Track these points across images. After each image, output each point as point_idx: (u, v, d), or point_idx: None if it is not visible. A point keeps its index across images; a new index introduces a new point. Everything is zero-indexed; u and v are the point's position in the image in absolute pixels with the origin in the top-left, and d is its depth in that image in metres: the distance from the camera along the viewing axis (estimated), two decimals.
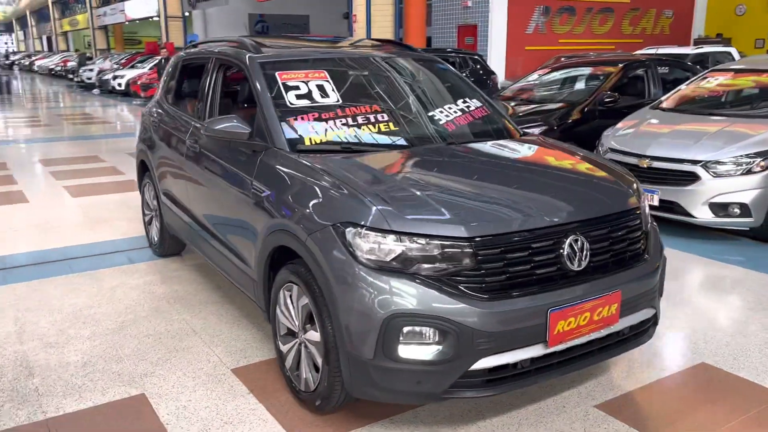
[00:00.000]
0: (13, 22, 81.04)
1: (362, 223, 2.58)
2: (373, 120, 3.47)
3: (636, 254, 2.98)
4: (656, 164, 5.71)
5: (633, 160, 5.87)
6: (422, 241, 2.52)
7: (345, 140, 3.34)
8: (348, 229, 2.59)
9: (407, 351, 2.50)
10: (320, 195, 2.84)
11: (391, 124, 3.50)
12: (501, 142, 3.64)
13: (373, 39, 4.89)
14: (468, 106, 3.88)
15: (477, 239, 2.54)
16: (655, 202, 5.68)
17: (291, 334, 3.05)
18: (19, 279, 4.75)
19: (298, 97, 3.48)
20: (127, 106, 20.63)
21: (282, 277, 3.00)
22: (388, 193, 2.72)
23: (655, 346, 3.59)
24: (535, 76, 9.02)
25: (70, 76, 32.50)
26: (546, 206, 2.77)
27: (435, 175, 3.11)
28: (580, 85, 8.47)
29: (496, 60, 14.72)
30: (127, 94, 22.26)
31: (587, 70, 8.71)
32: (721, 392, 3.16)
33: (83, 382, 3.27)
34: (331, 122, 3.38)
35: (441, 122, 3.67)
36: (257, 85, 3.53)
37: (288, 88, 3.50)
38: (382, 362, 2.52)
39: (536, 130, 7.26)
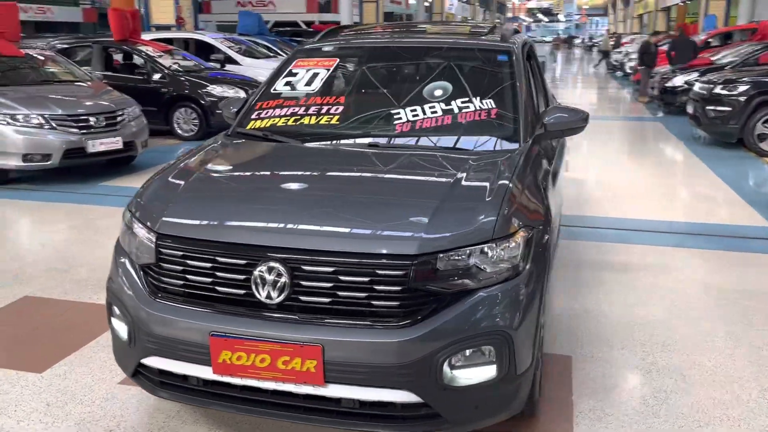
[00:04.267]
0: (608, 6, 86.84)
1: (133, 201, 2.80)
2: (324, 112, 3.37)
3: (385, 314, 2.25)
4: None
5: None
6: (137, 228, 2.60)
7: (278, 128, 3.36)
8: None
9: (115, 324, 2.67)
10: None
11: (335, 118, 3.33)
12: (432, 152, 3.03)
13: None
14: (466, 107, 3.23)
15: (160, 236, 2.47)
16: None
17: None
18: None
19: (286, 84, 3.62)
20: (616, 91, 20.58)
21: None
22: (171, 181, 2.80)
23: None
24: None
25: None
26: (268, 224, 2.41)
27: (257, 172, 2.99)
28: None
29: None
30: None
31: None
32: None
33: None
34: (285, 109, 3.45)
35: (397, 121, 3.22)
36: (274, 71, 3.81)
37: (289, 75, 3.67)
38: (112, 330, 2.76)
39: None
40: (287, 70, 3.71)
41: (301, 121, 3.37)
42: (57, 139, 7.08)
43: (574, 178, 7.78)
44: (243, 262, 2.34)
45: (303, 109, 3.43)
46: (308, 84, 3.56)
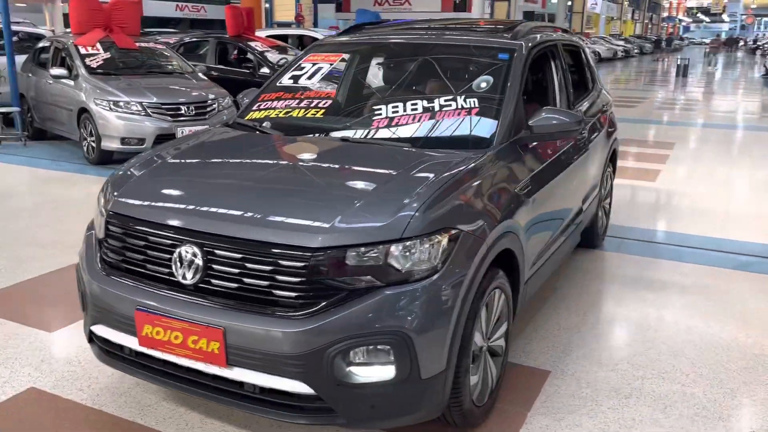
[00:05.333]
0: None
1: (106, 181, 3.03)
2: (313, 105, 3.44)
3: (284, 304, 2.28)
4: None
5: None
6: (100, 203, 2.83)
7: (269, 119, 3.47)
8: None
9: (80, 291, 2.91)
10: None
11: (321, 111, 3.39)
12: (395, 148, 3.00)
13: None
14: (448, 105, 3.17)
15: (110, 213, 2.67)
16: None
17: None
18: None
19: (291, 77, 3.73)
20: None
21: None
22: (139, 164, 2.99)
23: None
24: None
25: None
26: (192, 207, 2.52)
27: (215, 160, 3.09)
28: None
29: None
30: None
31: None
32: None
33: None
34: (282, 102, 3.56)
35: (377, 117, 3.22)
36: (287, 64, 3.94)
37: (297, 69, 3.78)
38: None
39: None
40: (297, 63, 3.82)
41: (291, 113, 3.46)
42: (151, 125, 7.71)
43: (666, 189, 7.26)
44: (168, 242, 2.48)
45: (296, 102, 3.52)
46: (310, 78, 3.65)
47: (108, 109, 7.73)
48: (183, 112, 7.86)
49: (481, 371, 2.72)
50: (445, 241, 2.38)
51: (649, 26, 75.62)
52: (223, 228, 2.40)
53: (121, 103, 7.74)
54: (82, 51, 8.59)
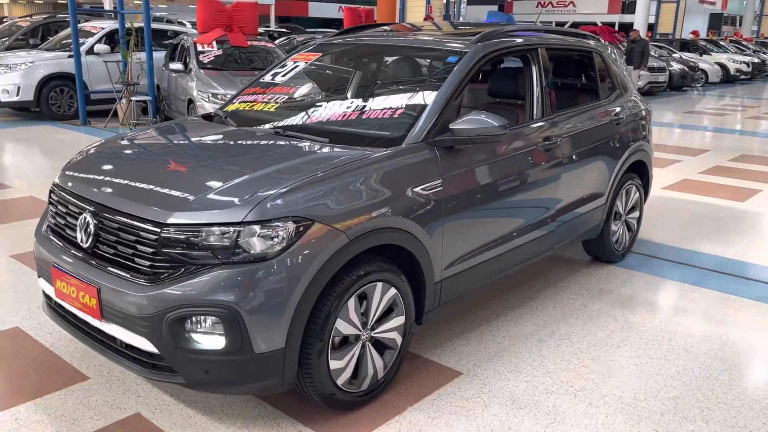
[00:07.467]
0: None
1: None
2: (270, 100, 3.73)
3: (141, 271, 2.60)
4: None
5: None
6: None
7: (234, 111, 3.81)
8: None
9: None
10: None
11: (274, 106, 3.66)
12: (306, 140, 3.18)
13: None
14: (377, 105, 3.29)
15: (54, 183, 3.14)
16: None
17: None
18: None
19: (270, 75, 4.04)
20: None
21: None
22: (96, 144, 3.46)
23: None
24: None
25: None
26: (97, 179, 2.93)
27: (154, 141, 3.46)
28: None
29: None
30: None
31: None
32: None
33: None
34: (254, 96, 3.88)
35: (313, 113, 3.43)
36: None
37: (281, 66, 4.08)
38: None
39: None
40: (282, 62, 4.11)
41: (252, 107, 3.77)
42: None
43: (751, 211, 6.61)
44: (76, 210, 2.89)
45: (262, 96, 3.81)
46: (284, 75, 3.92)
47: (207, 99, 8.55)
48: None
49: (351, 359, 2.83)
50: (291, 228, 2.54)
51: None
52: (108, 200, 2.77)
53: (219, 95, 8.53)
54: (199, 48, 9.55)
